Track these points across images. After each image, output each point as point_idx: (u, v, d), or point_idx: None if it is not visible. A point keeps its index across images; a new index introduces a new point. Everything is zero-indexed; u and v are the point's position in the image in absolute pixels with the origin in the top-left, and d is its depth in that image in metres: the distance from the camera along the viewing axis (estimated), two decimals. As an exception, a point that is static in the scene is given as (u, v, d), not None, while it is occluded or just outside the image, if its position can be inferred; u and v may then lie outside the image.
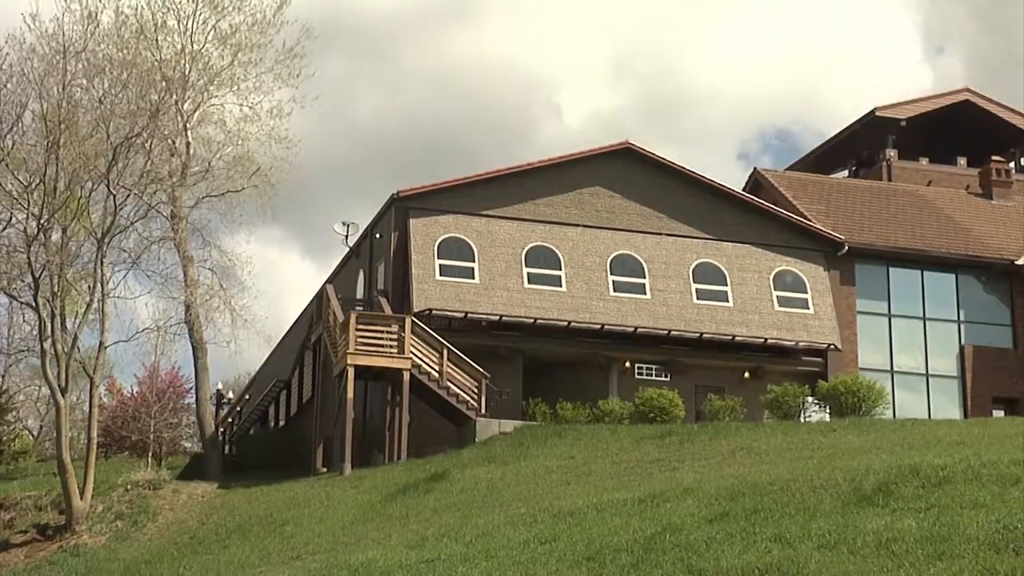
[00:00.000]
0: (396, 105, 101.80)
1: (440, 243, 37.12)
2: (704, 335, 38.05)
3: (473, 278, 36.87)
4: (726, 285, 38.91)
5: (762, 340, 38.53)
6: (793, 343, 38.75)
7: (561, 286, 37.51)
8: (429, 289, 36.27)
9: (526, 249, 37.79)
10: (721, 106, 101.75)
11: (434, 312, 36.07)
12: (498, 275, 37.11)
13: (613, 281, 37.95)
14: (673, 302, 38.13)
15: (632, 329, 37.55)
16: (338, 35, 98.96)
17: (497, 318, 36.66)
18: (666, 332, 37.77)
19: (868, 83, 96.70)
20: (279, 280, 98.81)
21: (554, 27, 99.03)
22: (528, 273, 37.46)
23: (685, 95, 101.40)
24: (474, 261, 37.13)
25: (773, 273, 39.51)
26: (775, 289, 39.29)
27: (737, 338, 38.33)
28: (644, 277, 38.33)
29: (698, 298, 38.44)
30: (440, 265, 36.74)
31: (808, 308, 39.19)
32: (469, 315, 36.50)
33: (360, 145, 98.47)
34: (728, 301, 38.67)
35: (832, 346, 38.95)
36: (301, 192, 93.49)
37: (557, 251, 38.04)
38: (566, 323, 37.20)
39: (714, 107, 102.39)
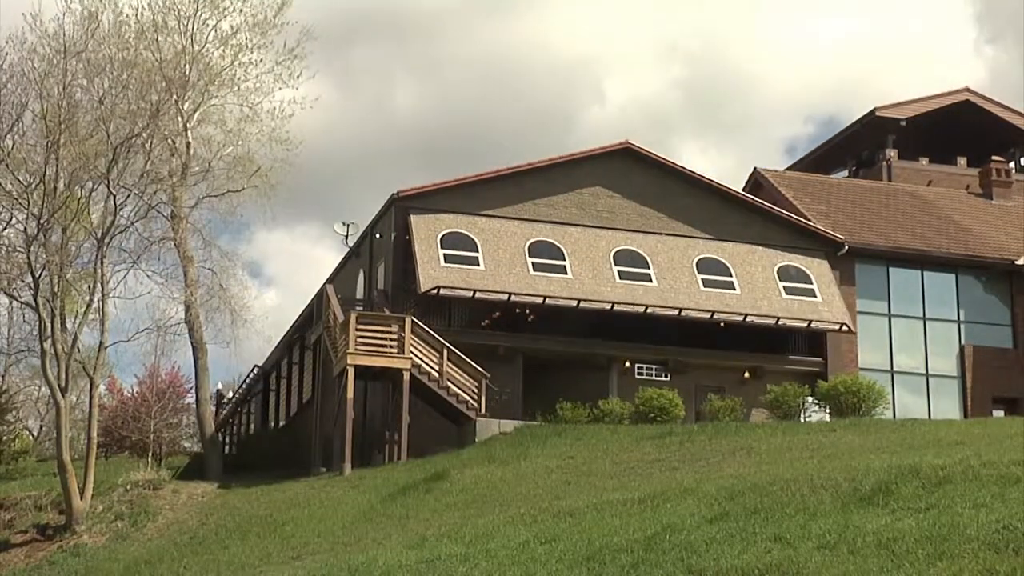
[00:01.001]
0: (435, 94, 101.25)
1: (442, 236, 37.09)
2: (716, 314, 37.84)
3: (478, 265, 36.80)
4: (731, 276, 38.88)
5: (774, 320, 38.34)
6: (805, 323, 38.61)
7: (567, 273, 37.46)
8: (435, 272, 36.19)
9: (529, 243, 37.76)
10: (768, 95, 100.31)
11: (442, 291, 35.79)
12: (503, 263, 37.03)
13: (618, 271, 37.91)
14: (681, 288, 38.05)
15: (643, 309, 37.31)
16: (378, 23, 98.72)
17: (506, 297, 36.43)
18: (677, 312, 37.56)
19: (920, 74, 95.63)
20: (316, 274, 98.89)
21: (598, 12, 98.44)
22: (533, 263, 37.42)
23: (732, 83, 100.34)
24: (478, 251, 37.06)
25: (776, 267, 39.52)
26: (780, 280, 39.28)
27: (749, 318, 38.10)
28: (649, 268, 38.29)
29: (704, 286, 38.39)
30: (444, 254, 36.68)
31: (816, 296, 39.16)
32: (477, 294, 36.23)
33: (400, 136, 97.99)
34: (735, 289, 38.62)
35: (844, 326, 38.79)
36: (339, 184, 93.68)
37: (560, 245, 38.00)
38: (575, 302, 36.92)
39: (761, 96, 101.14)
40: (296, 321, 43.18)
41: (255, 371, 44.74)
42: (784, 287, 39.08)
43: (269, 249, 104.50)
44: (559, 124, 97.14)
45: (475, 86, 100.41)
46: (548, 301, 36.78)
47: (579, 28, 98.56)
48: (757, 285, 38.82)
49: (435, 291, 35.65)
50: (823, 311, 38.79)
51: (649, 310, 37.34)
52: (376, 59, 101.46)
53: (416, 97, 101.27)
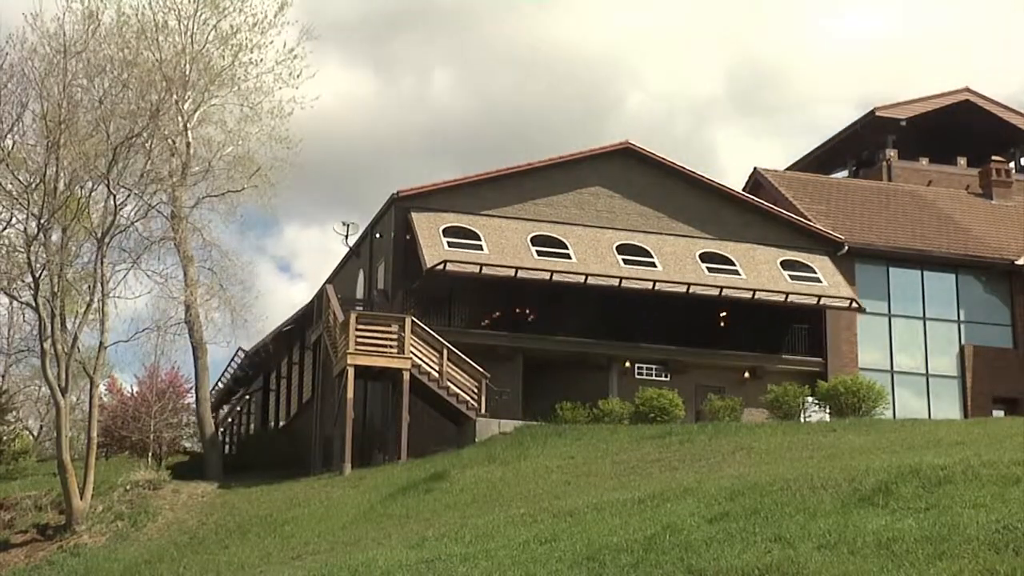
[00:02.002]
0: (473, 85, 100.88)
1: (444, 228, 37.08)
2: (724, 290, 37.84)
3: (482, 250, 36.73)
4: (735, 265, 38.89)
5: (783, 296, 38.40)
6: (815, 299, 38.63)
7: (571, 259, 37.44)
8: (440, 252, 36.12)
9: (531, 235, 37.78)
10: (810, 84, 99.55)
11: (448, 266, 35.70)
12: (507, 249, 36.99)
13: (622, 259, 37.91)
14: (687, 272, 38.03)
15: (651, 285, 37.30)
16: (416, 14, 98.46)
17: (512, 272, 36.35)
18: (685, 288, 37.54)
19: (964, 67, 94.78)
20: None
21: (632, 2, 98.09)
22: (536, 250, 37.40)
23: (774, 72, 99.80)
24: (481, 240, 37.02)
25: (779, 260, 39.56)
26: (784, 270, 39.31)
27: (758, 294, 38.09)
28: (653, 257, 38.28)
29: (709, 272, 38.38)
30: (447, 241, 36.62)
31: (821, 281, 39.18)
32: (484, 269, 36.13)
33: (436, 128, 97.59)
34: (741, 275, 38.63)
35: (854, 302, 38.79)
36: (373, 177, 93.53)
37: (563, 239, 38.00)
38: (583, 278, 36.88)
39: (803, 85, 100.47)
40: (293, 316, 42.99)
41: (238, 354, 44.42)
42: (789, 275, 39.13)
43: (299, 245, 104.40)
44: (596, 116, 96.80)
45: (512, 77, 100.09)
46: (555, 277, 36.63)
47: (614, 17, 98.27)
48: (762, 272, 38.88)
49: (441, 266, 35.49)
50: (829, 291, 38.85)
51: (657, 286, 37.27)
52: (414, 51, 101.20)
53: (453, 89, 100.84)
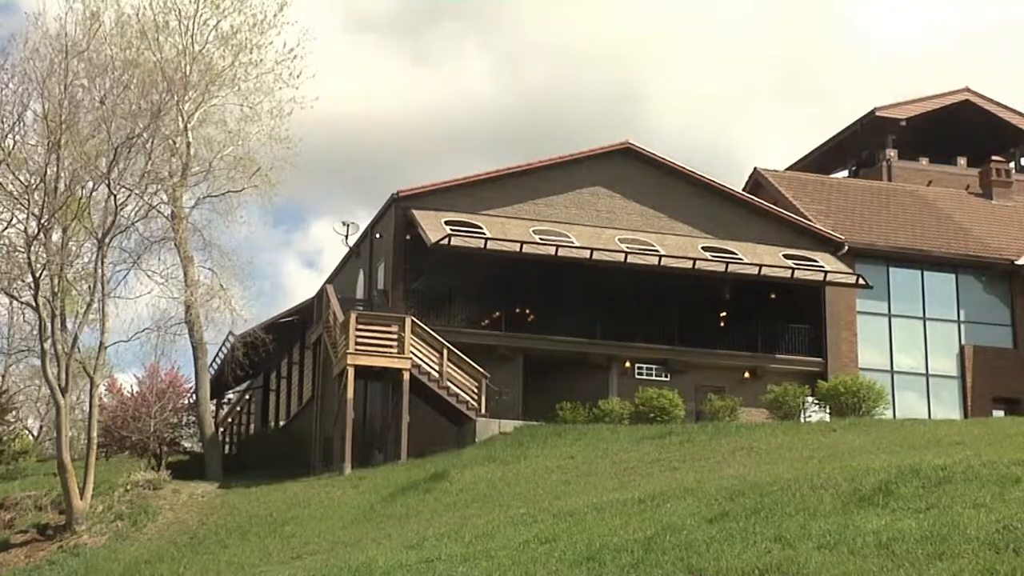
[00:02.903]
0: (509, 77, 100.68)
1: (446, 221, 37.12)
2: (731, 264, 38.00)
3: (485, 235, 36.85)
4: (738, 254, 38.98)
5: (789, 272, 38.54)
6: (821, 275, 38.81)
7: (575, 244, 37.55)
8: (443, 230, 36.19)
9: (532, 228, 37.83)
10: (860, 73, 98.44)
11: (453, 239, 35.76)
12: (511, 235, 37.13)
13: (626, 247, 37.97)
14: (690, 256, 38.22)
15: (656, 260, 37.47)
16: (453, 4, 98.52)
17: (518, 247, 36.44)
18: (692, 263, 37.62)
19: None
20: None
21: None
22: (539, 238, 37.48)
23: (825, 59, 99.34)
24: (483, 229, 37.08)
25: (781, 253, 39.64)
26: (787, 260, 39.40)
27: (764, 270, 38.22)
28: (655, 247, 38.32)
29: (713, 260, 38.53)
30: (451, 229, 36.70)
31: (824, 267, 39.29)
32: (489, 243, 36.18)
33: (473, 122, 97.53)
34: (745, 260, 38.79)
35: (860, 278, 38.91)
36: (409, 169, 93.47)
37: (566, 232, 38.06)
38: (588, 252, 37.00)
39: (852, 73, 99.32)
40: (291, 309, 42.79)
41: (229, 338, 44.02)
42: (792, 262, 39.20)
43: (326, 239, 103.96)
44: (629, 106, 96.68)
45: (547, 68, 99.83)
46: (560, 252, 36.74)
47: (646, 8, 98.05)
48: (764, 260, 38.98)
49: (445, 240, 35.48)
50: (833, 270, 39.09)
51: (663, 261, 37.38)
52: (449, 42, 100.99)
53: (489, 80, 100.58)
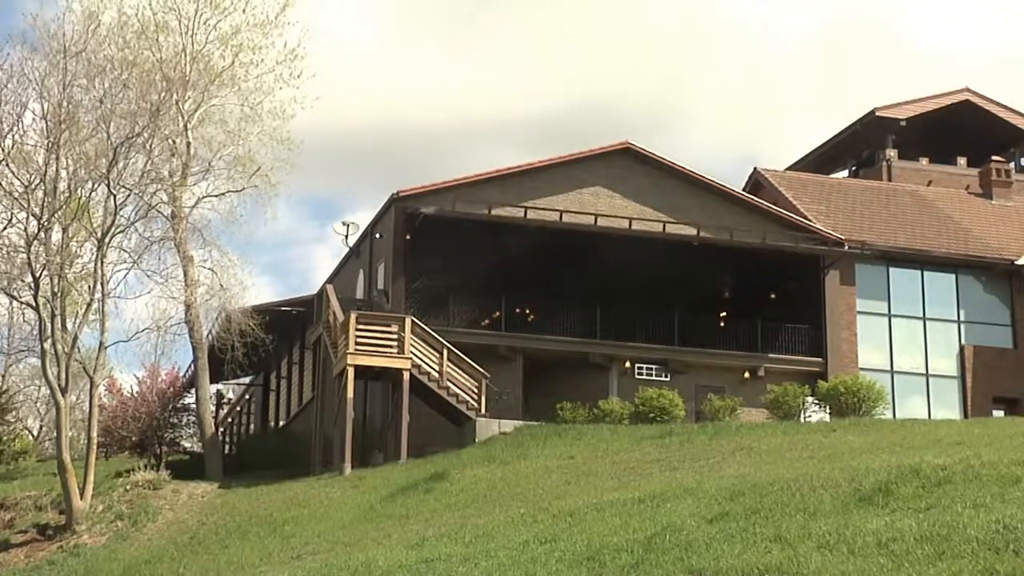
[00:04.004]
0: (556, 68, 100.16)
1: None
2: (735, 233, 38.53)
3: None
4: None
5: (793, 243, 39.14)
6: (827, 247, 39.36)
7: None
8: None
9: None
10: (939, 65, 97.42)
11: (457, 206, 36.21)
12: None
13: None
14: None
15: (661, 226, 38.19)
16: None
17: (522, 212, 36.89)
18: (695, 231, 38.23)
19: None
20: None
21: None
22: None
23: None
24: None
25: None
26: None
27: (768, 239, 38.77)
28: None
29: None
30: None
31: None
32: (494, 209, 36.62)
33: (516, 111, 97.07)
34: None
35: (864, 243, 39.50)
36: (455, 162, 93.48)
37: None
38: (592, 219, 37.52)
39: (933, 65, 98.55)
40: (289, 299, 42.66)
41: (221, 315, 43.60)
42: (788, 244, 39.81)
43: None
44: (678, 98, 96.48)
45: (599, 61, 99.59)
46: (565, 217, 37.28)
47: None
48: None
49: (449, 208, 35.72)
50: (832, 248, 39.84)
51: (668, 227, 38.07)
52: (494, 33, 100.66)
53: (534, 71, 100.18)
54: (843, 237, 40.85)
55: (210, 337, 36.97)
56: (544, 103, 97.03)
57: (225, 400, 52.09)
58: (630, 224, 37.55)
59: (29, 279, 31.26)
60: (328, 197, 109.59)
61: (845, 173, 51.12)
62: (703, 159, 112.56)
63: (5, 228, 32.66)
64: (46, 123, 31.20)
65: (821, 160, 51.45)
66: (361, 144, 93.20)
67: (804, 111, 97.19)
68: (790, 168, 51.00)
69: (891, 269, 41.86)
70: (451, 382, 34.10)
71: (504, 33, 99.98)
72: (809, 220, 41.26)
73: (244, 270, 36.62)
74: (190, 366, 38.93)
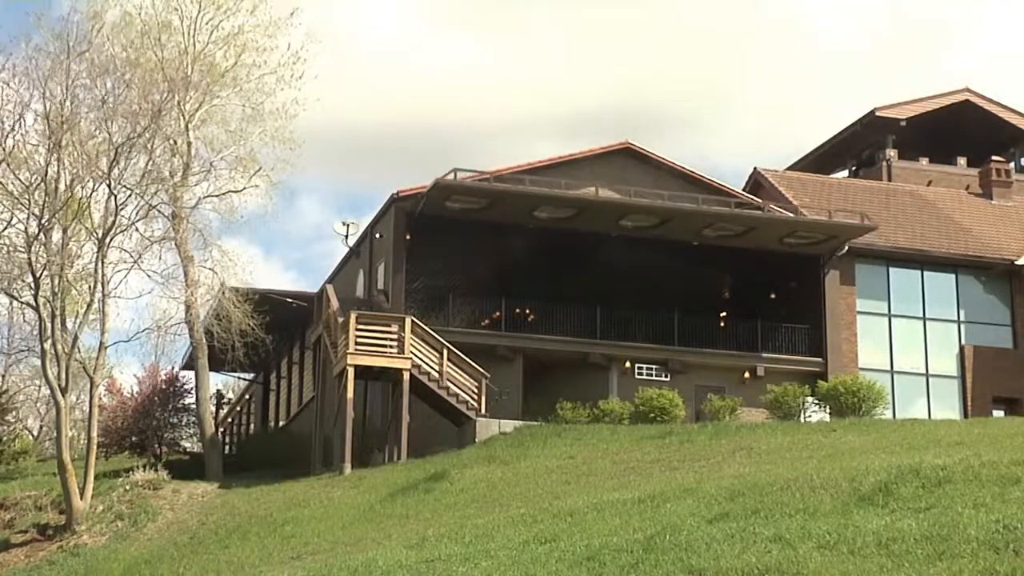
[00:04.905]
0: (599, 60, 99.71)
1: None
2: (738, 205, 38.69)
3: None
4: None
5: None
6: (826, 237, 39.47)
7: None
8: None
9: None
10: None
11: (459, 174, 36.28)
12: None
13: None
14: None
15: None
16: None
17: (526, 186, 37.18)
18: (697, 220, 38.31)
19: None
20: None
21: None
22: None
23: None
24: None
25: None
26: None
27: (769, 211, 38.83)
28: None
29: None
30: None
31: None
32: (498, 177, 36.79)
33: (561, 105, 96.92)
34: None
35: (865, 218, 39.57)
36: (495, 155, 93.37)
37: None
38: (594, 190, 37.66)
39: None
40: (289, 291, 42.60)
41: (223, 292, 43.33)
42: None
43: None
44: (718, 92, 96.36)
45: (633, 53, 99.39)
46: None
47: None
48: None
49: (451, 175, 35.84)
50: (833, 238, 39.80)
51: (671, 207, 38.06)
52: (536, 25, 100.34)
53: (578, 63, 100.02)
54: (843, 237, 40.82)
55: (206, 320, 36.78)
56: (583, 98, 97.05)
57: (225, 400, 52.12)
58: (631, 197, 37.71)
59: (29, 279, 31.27)
60: (361, 192, 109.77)
61: (845, 173, 51.10)
62: (742, 156, 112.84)
63: (5, 228, 32.67)
64: (48, 123, 31.21)
65: (821, 160, 51.41)
66: (398, 137, 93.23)
67: (850, 111, 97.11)
68: (790, 168, 50.98)
69: (891, 269, 41.85)
70: (451, 382, 34.10)
71: (542, 26, 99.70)
72: (809, 220, 41.20)
73: (244, 269, 36.60)
74: (186, 354, 38.91)
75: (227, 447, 44.75)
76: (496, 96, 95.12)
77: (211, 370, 38.60)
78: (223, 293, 35.78)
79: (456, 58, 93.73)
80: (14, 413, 44.79)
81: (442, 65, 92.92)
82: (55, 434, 32.33)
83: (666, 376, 38.19)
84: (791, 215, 39.73)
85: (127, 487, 31.58)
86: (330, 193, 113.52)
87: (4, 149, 31.47)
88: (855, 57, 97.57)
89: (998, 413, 39.73)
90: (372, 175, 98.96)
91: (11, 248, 32.54)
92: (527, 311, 38.89)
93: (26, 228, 31.60)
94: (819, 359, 39.32)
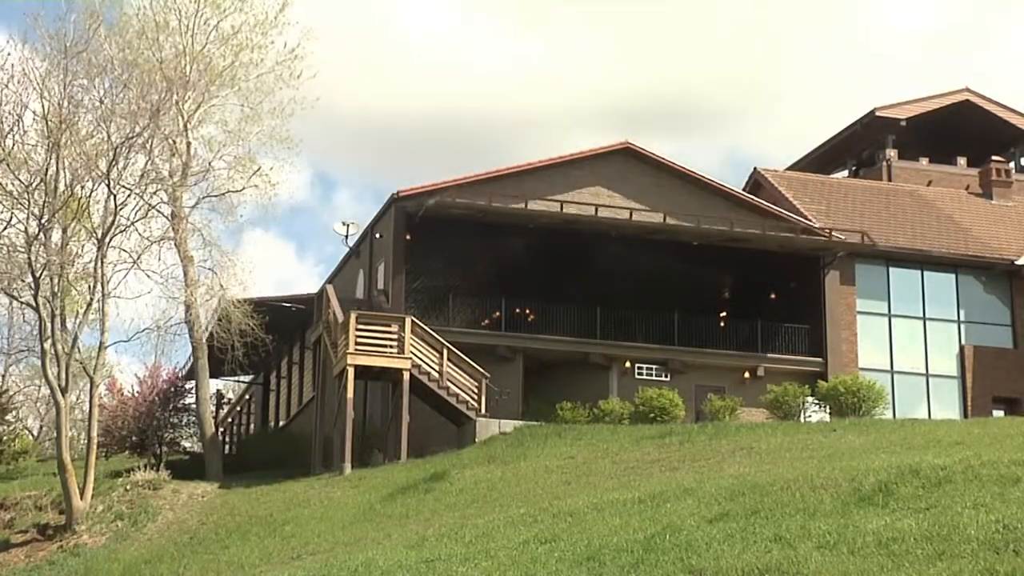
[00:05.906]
0: (639, 58, 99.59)
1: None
2: (735, 224, 38.71)
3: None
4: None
5: (795, 234, 39.25)
6: (827, 235, 39.55)
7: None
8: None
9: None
10: None
11: (457, 197, 36.49)
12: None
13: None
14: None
15: (661, 217, 38.28)
16: None
17: (523, 205, 37.27)
18: (696, 221, 38.48)
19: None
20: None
21: None
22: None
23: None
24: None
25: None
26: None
27: (768, 239, 38.93)
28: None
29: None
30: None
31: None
32: (494, 200, 36.96)
33: (599, 101, 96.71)
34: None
35: (865, 236, 39.70)
36: (530, 153, 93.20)
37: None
38: (593, 209, 37.77)
39: None
40: (291, 295, 42.63)
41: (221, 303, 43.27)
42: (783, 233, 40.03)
43: None
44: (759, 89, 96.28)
45: (677, 48, 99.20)
46: (566, 208, 37.51)
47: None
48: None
49: (449, 197, 35.88)
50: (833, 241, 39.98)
51: (668, 218, 38.15)
52: (578, 21, 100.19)
53: (618, 61, 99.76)
54: (843, 237, 40.84)
55: (208, 328, 36.84)
56: (625, 93, 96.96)
57: (225, 400, 52.11)
58: (631, 215, 37.68)
59: (29, 279, 31.26)
60: (395, 184, 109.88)
61: (845, 173, 51.11)
62: (783, 151, 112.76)
63: (5, 228, 32.66)
64: (46, 123, 31.20)
65: (821, 160, 51.43)
66: (441, 129, 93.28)
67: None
68: (790, 168, 50.98)
69: (891, 269, 41.86)
70: (451, 382, 34.10)
71: (583, 20, 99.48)
72: (809, 220, 41.24)
73: (244, 269, 36.60)
74: (188, 359, 38.91)
75: (227, 447, 44.75)
76: (539, 90, 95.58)
77: (211, 377, 38.61)
78: (223, 296, 35.79)
79: (499, 52, 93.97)
80: (14, 413, 44.77)
81: (485, 59, 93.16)
82: (55, 434, 32.32)
83: (666, 376, 38.20)
84: (789, 234, 39.63)
85: (127, 487, 31.58)
86: (367, 188, 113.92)
87: (3, 149, 31.46)
88: (904, 53, 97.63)
89: (998, 413, 39.73)
90: (412, 168, 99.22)
91: (11, 248, 32.53)
92: (527, 311, 38.90)
93: (26, 228, 31.59)
94: (819, 359, 39.33)
